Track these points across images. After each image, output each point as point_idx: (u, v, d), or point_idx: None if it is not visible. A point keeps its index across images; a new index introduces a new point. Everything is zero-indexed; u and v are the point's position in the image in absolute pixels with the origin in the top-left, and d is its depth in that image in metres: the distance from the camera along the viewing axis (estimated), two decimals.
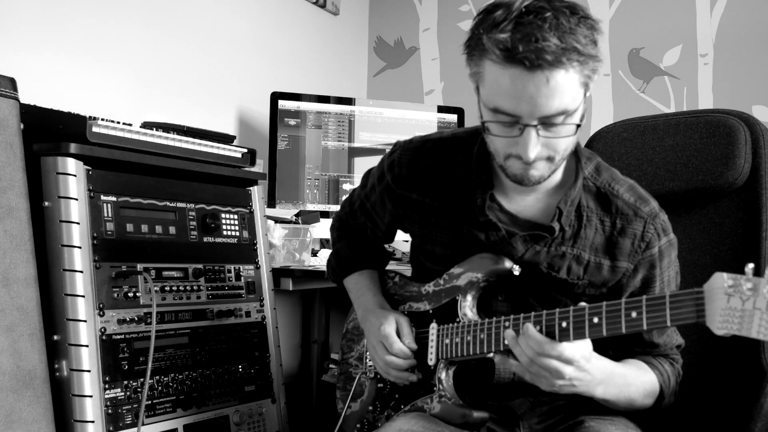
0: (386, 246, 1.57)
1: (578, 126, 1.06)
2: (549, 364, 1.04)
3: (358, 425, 1.41)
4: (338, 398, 1.49)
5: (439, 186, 1.28)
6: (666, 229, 1.21)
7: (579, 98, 1.04)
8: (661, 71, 2.61)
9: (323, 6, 2.95)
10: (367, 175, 1.44)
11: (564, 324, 1.05)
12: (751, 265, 0.86)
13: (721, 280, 0.88)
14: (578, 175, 1.19)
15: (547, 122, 1.03)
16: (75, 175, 1.46)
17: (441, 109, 2.64)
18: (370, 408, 1.39)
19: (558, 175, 1.19)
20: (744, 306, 0.86)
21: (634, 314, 0.98)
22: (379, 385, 1.39)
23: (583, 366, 1.05)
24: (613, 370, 1.13)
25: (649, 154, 1.57)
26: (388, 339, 1.27)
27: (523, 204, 1.22)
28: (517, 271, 1.19)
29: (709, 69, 2.52)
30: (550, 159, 1.08)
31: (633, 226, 1.18)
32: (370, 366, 1.40)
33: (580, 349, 1.05)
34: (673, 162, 1.54)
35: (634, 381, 1.17)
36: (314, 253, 2.36)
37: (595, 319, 1.02)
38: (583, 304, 1.05)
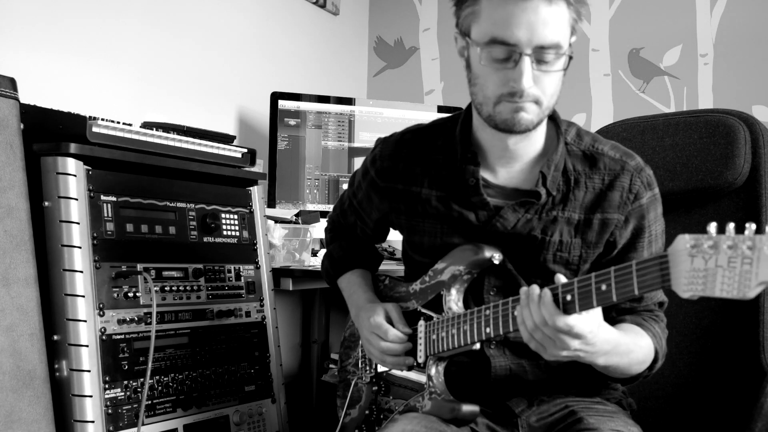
0: (385, 245, 1.57)
1: (569, 59, 1.12)
2: (556, 336, 1.02)
3: (356, 430, 1.41)
4: (338, 406, 1.49)
5: (424, 172, 1.29)
6: (651, 183, 1.23)
7: (567, 38, 1.12)
8: (661, 71, 2.61)
9: (323, 6, 2.95)
10: (354, 175, 1.47)
11: None
12: (713, 224, 0.84)
13: (683, 241, 0.86)
14: (559, 141, 1.23)
15: (540, 56, 1.09)
16: (75, 175, 1.46)
17: (441, 109, 2.64)
18: (367, 412, 1.40)
19: (540, 143, 1.23)
20: (707, 265, 0.82)
21: (603, 287, 0.98)
22: (374, 388, 1.39)
23: (590, 340, 1.04)
24: (618, 340, 1.11)
25: (649, 153, 1.57)
26: (381, 328, 1.29)
27: (509, 176, 1.24)
28: (497, 260, 1.19)
29: (709, 69, 2.52)
30: (538, 103, 1.12)
31: (621, 179, 1.21)
32: (367, 371, 1.41)
33: (590, 323, 1.03)
34: (673, 162, 1.54)
35: (635, 347, 1.15)
36: (314, 253, 2.36)
37: (568, 297, 1.01)
38: (562, 279, 1.03)
